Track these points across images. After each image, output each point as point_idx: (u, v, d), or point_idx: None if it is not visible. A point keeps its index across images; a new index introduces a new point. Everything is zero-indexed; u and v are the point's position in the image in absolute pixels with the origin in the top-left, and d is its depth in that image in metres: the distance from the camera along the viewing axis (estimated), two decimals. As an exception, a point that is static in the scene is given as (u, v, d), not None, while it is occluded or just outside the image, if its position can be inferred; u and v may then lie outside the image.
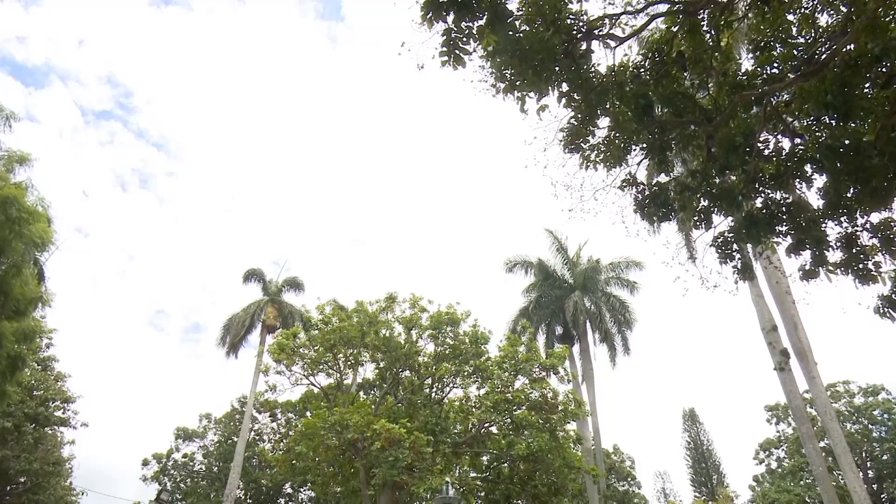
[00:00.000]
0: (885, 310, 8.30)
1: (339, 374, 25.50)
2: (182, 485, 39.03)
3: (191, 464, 39.44)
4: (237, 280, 37.82)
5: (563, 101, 8.41)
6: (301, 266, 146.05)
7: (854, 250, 8.40)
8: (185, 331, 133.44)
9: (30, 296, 17.08)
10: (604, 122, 8.87)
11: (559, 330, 35.17)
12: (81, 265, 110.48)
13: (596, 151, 9.18)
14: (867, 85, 7.51)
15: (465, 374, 22.69)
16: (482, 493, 26.00)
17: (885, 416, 36.51)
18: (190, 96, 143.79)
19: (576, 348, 34.27)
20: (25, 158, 17.19)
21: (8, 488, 28.63)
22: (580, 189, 10.23)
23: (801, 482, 37.53)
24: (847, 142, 7.44)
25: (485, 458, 23.47)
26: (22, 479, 28.48)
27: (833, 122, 7.74)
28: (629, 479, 40.89)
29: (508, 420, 21.08)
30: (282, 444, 31.67)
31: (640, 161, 9.57)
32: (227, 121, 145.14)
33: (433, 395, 23.84)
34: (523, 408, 20.87)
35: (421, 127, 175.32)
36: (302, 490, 37.00)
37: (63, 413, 29.40)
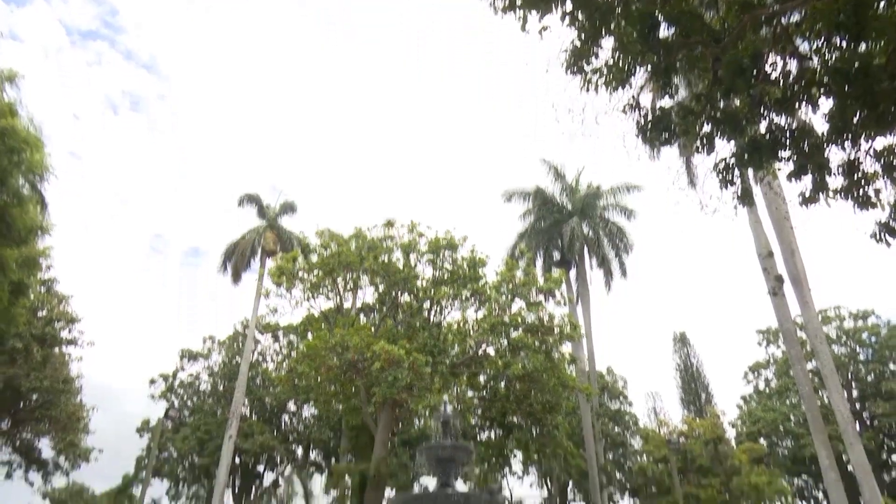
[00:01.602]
0: (882, 235, 8.36)
1: (338, 298, 25.89)
2: (189, 402, 40.34)
3: (196, 383, 40.59)
4: (235, 205, 37.73)
5: (567, 20, 8.12)
6: (296, 196, 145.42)
7: (855, 176, 8.37)
8: (185, 255, 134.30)
9: (31, 224, 17.08)
10: (608, 43, 8.61)
11: (556, 255, 35.47)
12: (77, 189, 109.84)
13: (598, 74, 8.96)
14: (881, 3, 7.25)
15: (463, 297, 23.05)
16: (479, 411, 26.95)
17: (873, 339, 37.45)
18: (179, 15, 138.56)
19: (572, 273, 34.68)
20: (14, 76, 16.73)
21: (21, 405, 29.59)
22: (582, 113, 10.05)
23: (787, 402, 38.93)
24: (857, 65, 7.26)
25: (482, 377, 24.16)
26: (34, 397, 29.38)
27: (844, 43, 7.52)
28: (621, 398, 42.27)
29: (505, 342, 21.58)
30: (284, 364, 32.54)
31: (644, 84, 9.36)
32: (218, 41, 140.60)
33: (431, 318, 24.26)
34: (520, 330, 21.33)
35: (417, 61, 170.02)
36: (305, 407, 38.27)
37: (68, 333, 29.97)
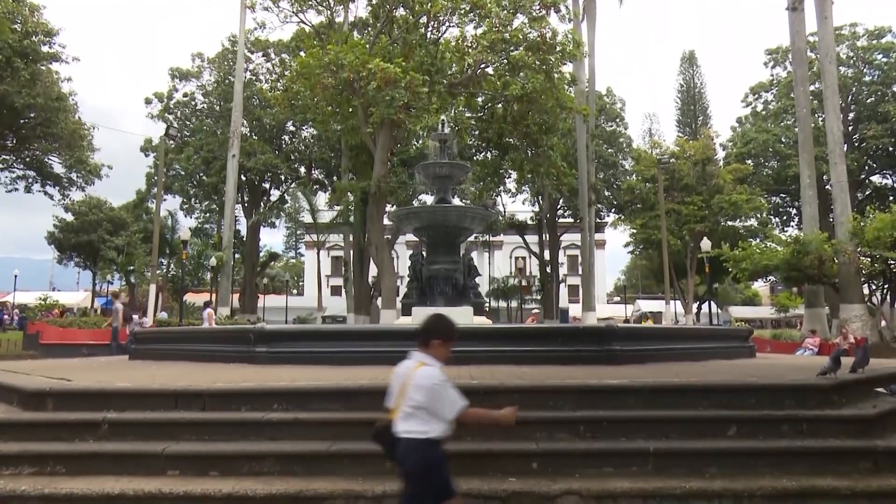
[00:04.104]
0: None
1: (329, 12, 24.30)
2: (188, 122, 40.51)
3: (193, 103, 40.25)
4: None
5: None
6: None
7: None
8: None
9: None
10: None
11: (565, -38, 32.36)
12: None
13: None
14: None
15: (462, 11, 21.63)
16: (476, 132, 27.29)
17: (884, 58, 36.25)
18: None
19: (581, -16, 32.02)
20: None
21: (21, 122, 29.71)
22: None
23: (782, 124, 39.22)
24: None
25: (480, 98, 23.91)
26: (31, 115, 29.36)
27: None
28: (618, 120, 42.41)
29: (505, 61, 20.86)
30: (279, 84, 31.88)
31: None
32: None
33: (428, 34, 23.09)
34: (521, 48, 20.45)
35: None
36: (304, 128, 38.56)
37: (49, 47, 28.75)
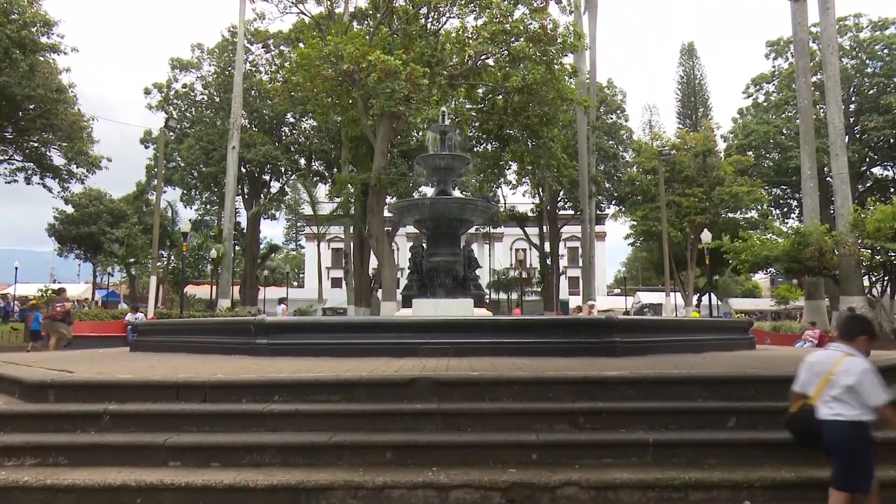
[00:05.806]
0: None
1: (329, 2, 24.17)
2: (188, 114, 40.35)
3: (192, 94, 40.08)
4: None
5: None
6: None
7: None
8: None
9: None
10: None
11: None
12: None
13: None
14: None
15: (463, 2, 21.52)
16: (476, 124, 27.19)
17: (886, 50, 36.06)
18: None
19: (582, -26, 31.83)
20: None
21: (20, 114, 29.58)
22: None
23: (783, 115, 39.08)
24: None
25: (480, 90, 23.82)
26: (31, 106, 29.22)
27: None
28: (618, 112, 42.26)
29: (506, 52, 20.77)
30: (279, 75, 31.76)
31: None
32: None
33: (429, 25, 22.98)
34: (521, 40, 20.35)
35: None
36: (304, 119, 38.41)
37: (48, 38, 28.59)
